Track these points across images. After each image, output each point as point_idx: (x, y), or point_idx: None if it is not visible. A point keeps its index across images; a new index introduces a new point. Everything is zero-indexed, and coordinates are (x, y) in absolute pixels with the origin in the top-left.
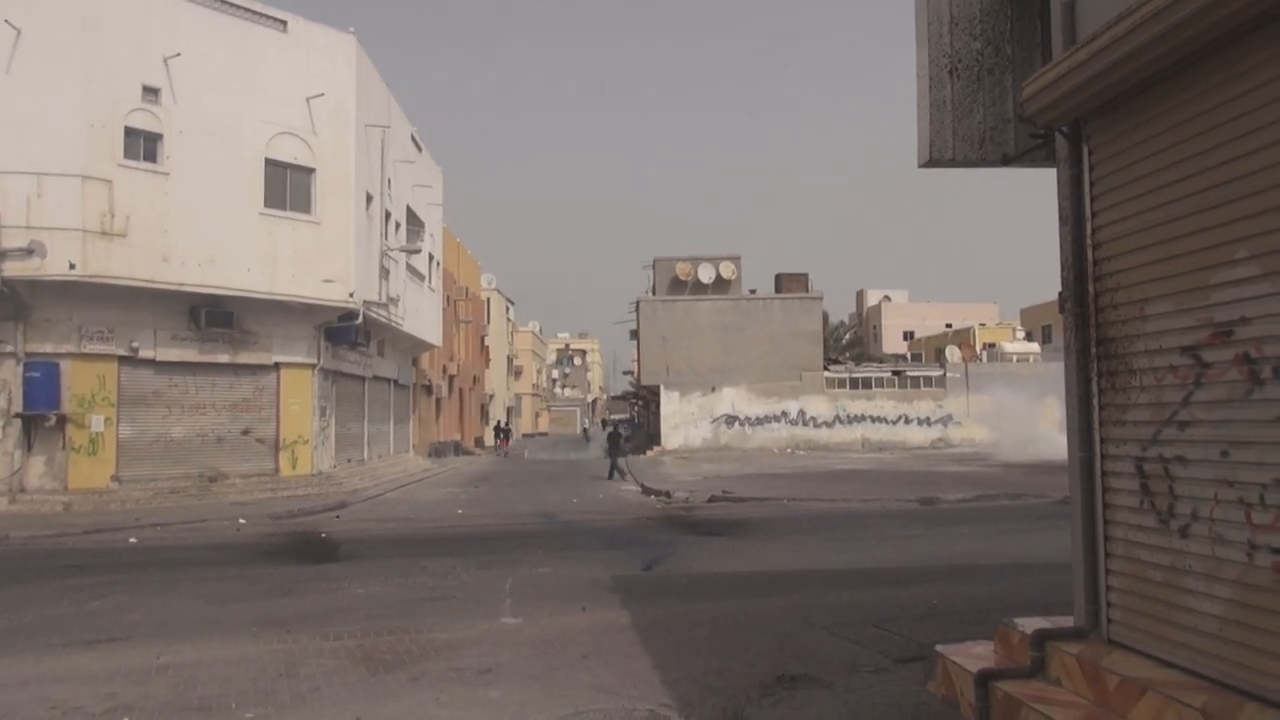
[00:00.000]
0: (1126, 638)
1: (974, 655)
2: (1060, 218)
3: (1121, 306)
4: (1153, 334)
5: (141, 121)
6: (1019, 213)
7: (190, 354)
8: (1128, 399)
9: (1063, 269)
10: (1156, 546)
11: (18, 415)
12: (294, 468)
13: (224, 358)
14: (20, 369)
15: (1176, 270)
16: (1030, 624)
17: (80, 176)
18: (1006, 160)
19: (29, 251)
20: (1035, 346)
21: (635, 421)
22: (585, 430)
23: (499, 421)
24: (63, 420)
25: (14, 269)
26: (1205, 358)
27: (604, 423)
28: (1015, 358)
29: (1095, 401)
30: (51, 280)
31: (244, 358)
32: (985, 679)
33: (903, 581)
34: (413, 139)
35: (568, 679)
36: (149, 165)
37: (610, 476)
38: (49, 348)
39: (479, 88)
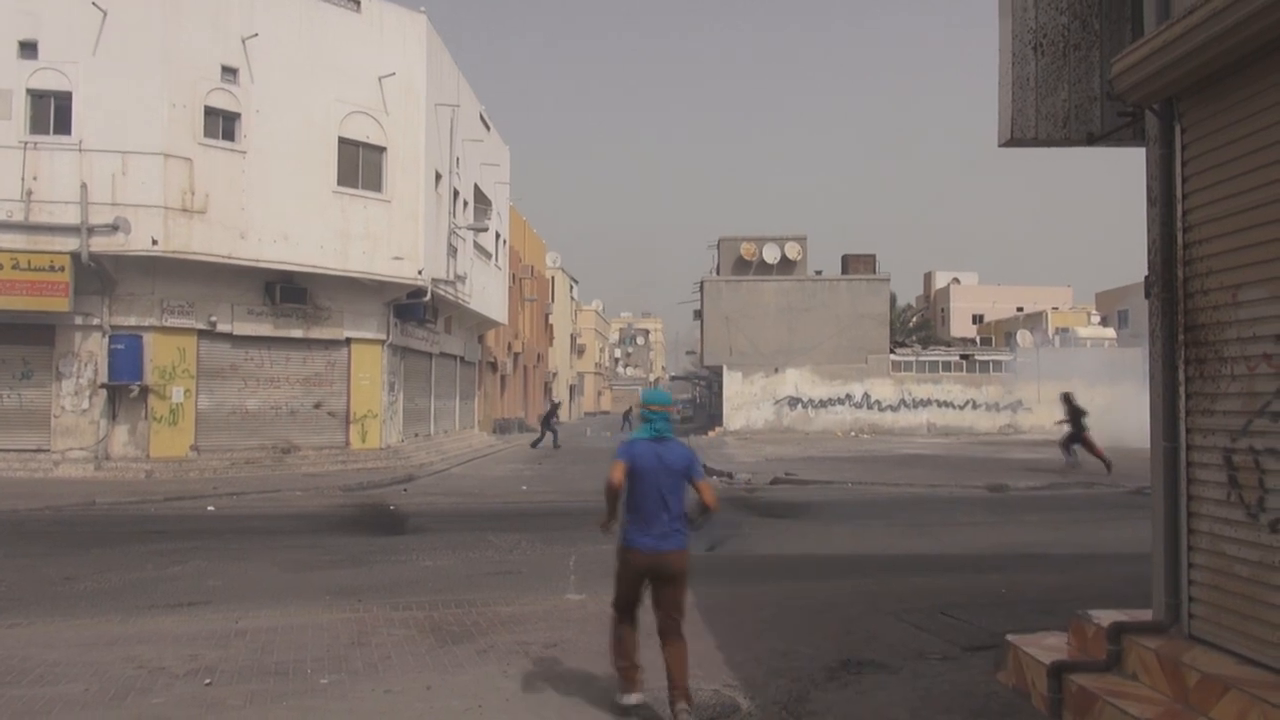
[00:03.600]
0: (1208, 634)
1: (1047, 646)
2: (1148, 199)
3: (1212, 292)
4: (1246, 321)
5: (220, 101)
6: (1095, 194)
7: (265, 328)
8: (1217, 388)
9: (1150, 252)
10: (1244, 541)
11: (103, 385)
12: (363, 441)
13: (297, 333)
14: (105, 341)
15: (1273, 255)
16: (1105, 616)
17: (162, 155)
18: (1091, 139)
19: (114, 228)
20: (1111, 331)
21: (698, 402)
22: (628, 413)
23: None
24: (145, 391)
25: (100, 244)
26: None
27: (552, 404)
28: (1090, 343)
29: (1182, 390)
30: (135, 255)
31: (316, 333)
32: (1059, 671)
33: (971, 569)
34: (481, 118)
35: None
36: (227, 144)
37: (537, 445)
38: (132, 320)
39: (545, 64)
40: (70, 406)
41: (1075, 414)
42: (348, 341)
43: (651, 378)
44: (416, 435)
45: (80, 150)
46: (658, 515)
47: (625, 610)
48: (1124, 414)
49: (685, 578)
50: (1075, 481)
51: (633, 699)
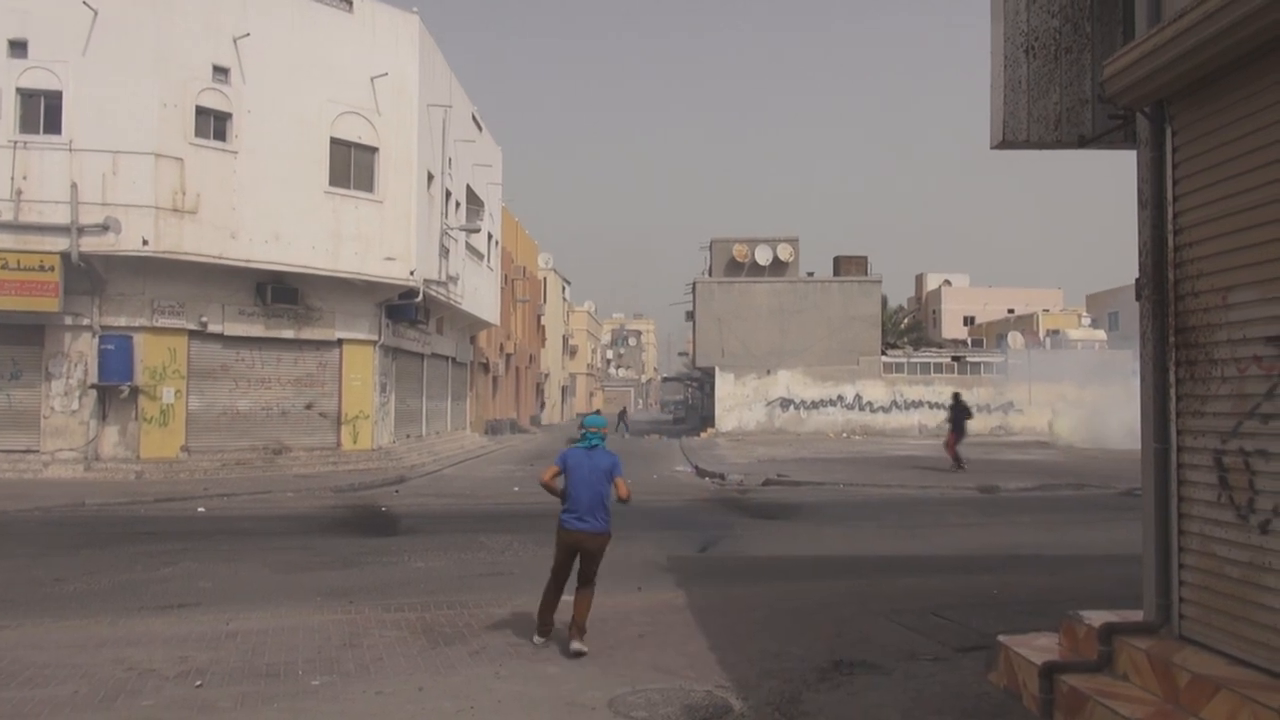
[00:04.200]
0: (1199, 634)
1: (1038, 647)
2: (1139, 202)
3: (1203, 294)
4: (1236, 323)
5: (212, 101)
6: (1086, 196)
7: (256, 329)
8: (1207, 390)
9: (1140, 254)
10: (1234, 542)
11: (93, 386)
12: (355, 442)
13: (289, 333)
14: (96, 341)
15: (1264, 257)
16: (1097, 617)
17: (153, 154)
18: (1083, 142)
19: (104, 227)
20: (1101, 334)
21: (690, 403)
22: (623, 413)
23: (625, 410)
24: (135, 391)
25: (90, 244)
26: None
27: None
28: (1080, 345)
29: (1172, 392)
30: (126, 255)
31: (308, 333)
32: (1050, 671)
33: (962, 570)
34: (473, 118)
35: (624, 657)
36: (219, 144)
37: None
38: (123, 321)
39: (537, 65)
40: (60, 407)
41: (959, 414)
42: (339, 342)
43: (643, 379)
44: (408, 436)
45: (70, 150)
46: (583, 504)
47: (556, 576)
48: (1106, 415)
49: (601, 553)
50: (1065, 482)
51: (538, 640)
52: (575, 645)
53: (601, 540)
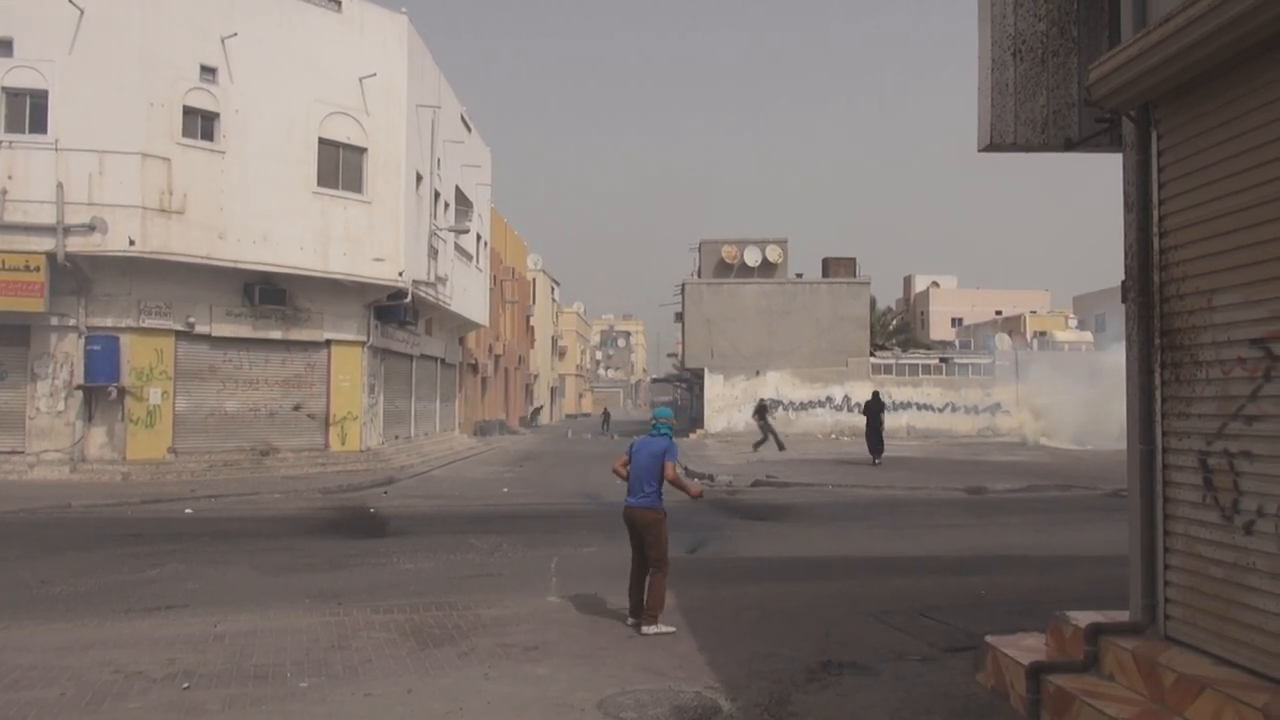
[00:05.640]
0: (1184, 634)
1: (1025, 647)
2: (1125, 204)
3: (1188, 296)
4: (1221, 325)
5: (199, 100)
6: (1074, 198)
7: (244, 330)
8: (1192, 391)
9: (1126, 257)
10: (1219, 543)
11: (79, 387)
12: (343, 443)
13: (276, 334)
14: (82, 342)
15: (1248, 260)
16: (1083, 617)
17: (140, 154)
18: (1069, 145)
19: (91, 228)
20: (1088, 335)
21: (679, 404)
22: (606, 414)
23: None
24: (122, 392)
25: (76, 245)
26: (1276, 350)
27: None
28: (1067, 346)
29: (1158, 393)
30: (112, 256)
31: (296, 334)
32: (1037, 671)
33: (950, 570)
34: (462, 119)
35: (614, 658)
36: (206, 144)
37: (771, 445)
38: (109, 322)
39: (527, 66)
40: (46, 408)
41: (875, 410)
42: (327, 343)
43: (633, 380)
44: (397, 437)
45: (56, 149)
46: (638, 483)
47: (633, 557)
48: (1093, 416)
49: (652, 528)
50: (1052, 483)
51: (630, 622)
52: (644, 628)
53: (649, 515)
